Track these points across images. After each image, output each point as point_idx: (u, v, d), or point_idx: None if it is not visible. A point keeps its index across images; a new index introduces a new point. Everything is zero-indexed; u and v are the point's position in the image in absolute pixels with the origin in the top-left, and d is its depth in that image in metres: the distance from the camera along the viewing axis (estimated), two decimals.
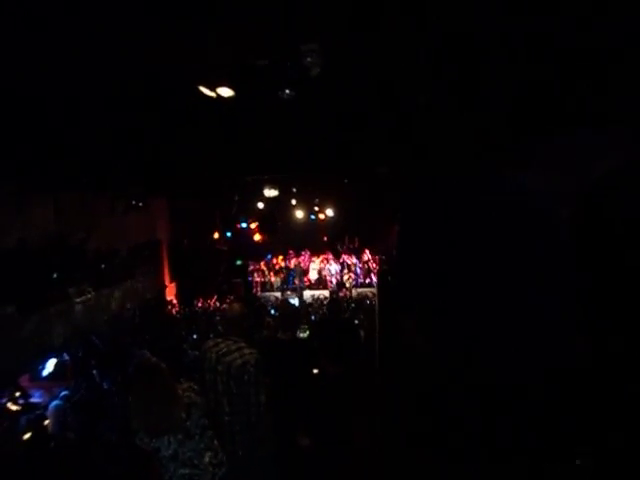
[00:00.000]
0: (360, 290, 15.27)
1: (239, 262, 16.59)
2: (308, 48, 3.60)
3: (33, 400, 7.76)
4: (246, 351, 3.71)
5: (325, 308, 11.82)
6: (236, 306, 4.02)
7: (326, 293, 15.28)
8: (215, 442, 3.18)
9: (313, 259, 16.34)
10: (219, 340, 3.86)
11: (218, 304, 13.87)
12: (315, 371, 4.11)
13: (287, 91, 3.93)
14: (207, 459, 3.09)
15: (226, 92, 3.91)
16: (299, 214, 14.69)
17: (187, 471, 3.02)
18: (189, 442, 3.01)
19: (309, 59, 3.68)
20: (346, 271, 15.82)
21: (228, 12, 3.30)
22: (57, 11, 3.25)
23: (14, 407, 7.20)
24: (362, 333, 6.73)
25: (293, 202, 14.31)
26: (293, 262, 16.37)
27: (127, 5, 3.23)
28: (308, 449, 3.59)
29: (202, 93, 4.00)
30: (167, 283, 14.95)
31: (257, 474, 3.60)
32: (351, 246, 16.50)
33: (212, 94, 3.93)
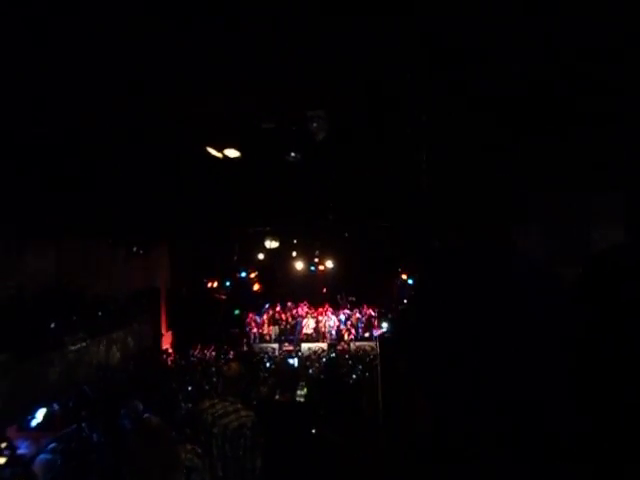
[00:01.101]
0: (359, 344, 15.07)
1: (237, 312, 16.47)
2: (314, 114, 3.72)
3: (20, 451, 7.52)
4: (243, 413, 3.63)
5: (323, 363, 11.65)
6: (234, 365, 3.97)
7: (324, 346, 15.07)
8: None
9: (308, 314, 16.19)
10: (215, 401, 3.78)
11: (215, 354, 13.66)
12: (313, 431, 4.02)
13: (292, 154, 4.03)
14: None
15: (232, 153, 4.01)
16: (299, 265, 14.71)
17: None
18: None
19: (315, 124, 3.79)
20: (344, 326, 15.65)
21: (237, 77, 3.43)
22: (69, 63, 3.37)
23: (0, 459, 6.97)
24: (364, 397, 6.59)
25: (293, 254, 14.36)
26: (290, 314, 16.25)
27: (136, 68, 3.36)
28: None
29: (209, 152, 4.10)
30: (164, 331, 14.78)
31: None
32: (350, 299, 16.41)
33: (219, 155, 4.03)
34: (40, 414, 8.73)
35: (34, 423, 8.71)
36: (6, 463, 6.93)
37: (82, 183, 6.45)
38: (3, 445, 7.19)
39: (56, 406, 8.99)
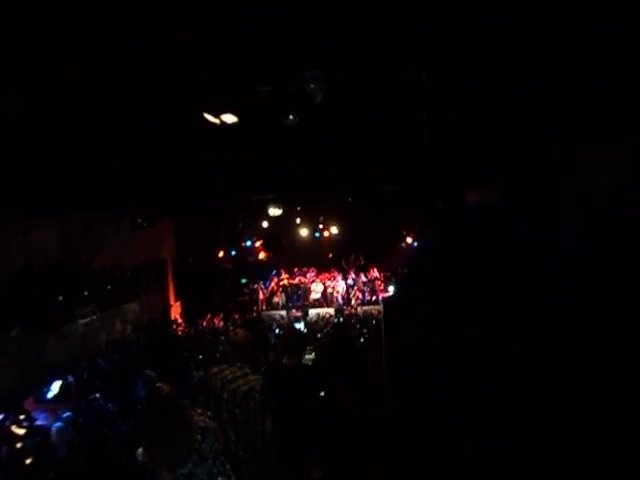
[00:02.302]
0: (366, 308, 15.19)
1: (244, 280, 16.58)
2: (311, 75, 3.63)
3: (38, 423, 7.73)
4: (251, 377, 3.69)
5: (331, 328, 11.77)
6: (241, 332, 4.00)
7: (331, 311, 15.21)
8: (227, 467, 3.17)
9: (316, 279, 16.26)
10: (224, 367, 3.84)
11: (223, 323, 13.82)
12: (322, 394, 4.08)
13: (290, 117, 3.96)
14: None
15: (230, 119, 3.94)
16: (303, 232, 14.69)
17: None
18: (203, 465, 3.01)
19: (312, 86, 3.71)
20: (353, 290, 15.75)
21: (233, 39, 3.34)
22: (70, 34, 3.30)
23: (19, 430, 7.17)
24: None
25: (297, 221, 14.33)
26: (297, 280, 16.32)
27: (134, 32, 3.27)
28: None
29: (207, 120, 4.03)
30: (172, 302, 14.93)
31: None
32: (357, 263, 16.44)
33: (216, 121, 3.96)
34: (56, 386, 8.93)
35: (50, 395, 8.92)
36: (25, 434, 7.14)
37: (83, 156, 6.41)
38: (22, 417, 7.39)
39: (71, 378, 9.18)
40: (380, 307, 15.57)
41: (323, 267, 16.75)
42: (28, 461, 6.24)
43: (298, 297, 15.96)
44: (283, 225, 13.80)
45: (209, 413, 3.19)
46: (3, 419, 7.06)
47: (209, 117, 3.98)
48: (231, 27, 3.16)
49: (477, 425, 1.62)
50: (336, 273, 16.39)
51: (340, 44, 3.44)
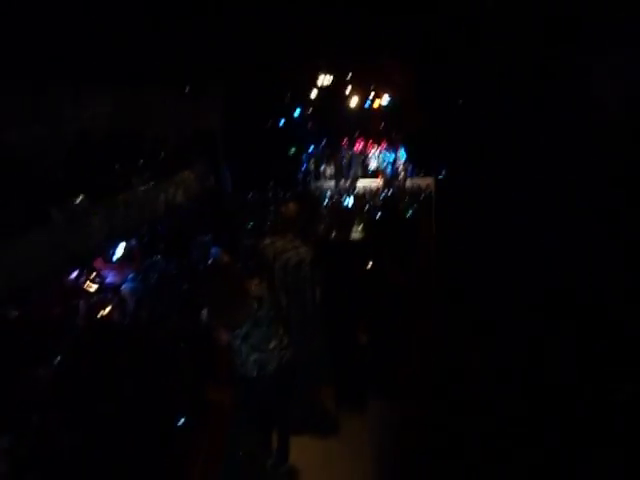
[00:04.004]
0: (415, 180, 15.02)
1: (293, 150, 16.50)
2: None
3: (108, 280, 8.49)
4: (302, 249, 3.87)
5: (379, 200, 11.83)
6: (291, 205, 4.11)
7: (379, 182, 15.12)
8: (281, 331, 3.46)
9: (373, 148, 15.92)
10: (276, 238, 4.01)
11: (272, 193, 14.05)
12: (369, 267, 4.24)
13: None
14: (273, 344, 3.39)
15: None
16: (354, 102, 14.19)
17: (256, 356, 3.34)
18: (258, 329, 3.30)
19: None
20: (401, 160, 15.47)
21: None
22: None
23: (92, 286, 7.92)
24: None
25: (347, 90, 13.80)
26: (347, 149, 16.09)
27: None
28: (365, 346, 3.82)
29: None
30: (222, 171, 15.17)
31: (312, 362, 3.91)
32: (408, 135, 15.94)
33: None
34: (121, 248, 9.62)
35: (116, 256, 9.65)
36: (97, 290, 7.90)
37: (132, 25, 6.24)
38: (93, 275, 8.11)
39: (134, 241, 9.83)
40: (428, 180, 15.42)
41: (373, 138, 16.36)
42: (103, 313, 7.00)
43: (347, 167, 15.84)
44: (333, 95, 13.34)
45: (265, 284, 3.41)
46: (77, 277, 7.78)
47: None
48: None
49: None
50: (386, 144, 16.02)
51: None
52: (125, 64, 8.53)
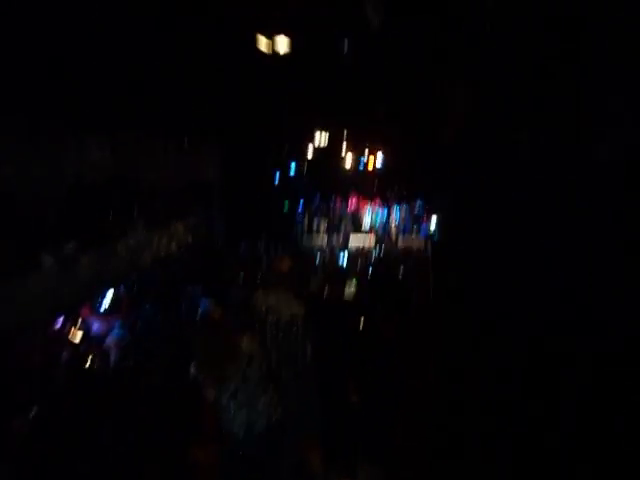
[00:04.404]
0: (407, 240, 15.15)
1: (287, 205, 16.67)
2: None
3: (93, 329, 8.30)
4: (295, 305, 3.81)
5: (372, 258, 11.86)
6: (286, 260, 4.09)
7: (372, 239, 15.23)
8: (270, 388, 3.34)
9: (359, 207, 16.17)
10: (269, 293, 3.96)
11: (265, 246, 14.07)
12: (362, 324, 4.18)
13: (346, 43, 3.78)
14: (262, 402, 3.26)
15: (283, 44, 3.80)
16: (349, 160, 14.49)
17: (244, 414, 3.20)
18: (247, 386, 3.17)
19: (371, 6, 3.51)
20: (393, 220, 15.66)
21: None
22: None
23: (76, 336, 7.73)
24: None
25: (343, 148, 14.12)
26: (341, 207, 16.29)
27: None
28: (357, 405, 3.71)
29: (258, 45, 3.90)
30: (216, 223, 15.23)
31: (303, 421, 3.76)
32: (401, 194, 16.21)
33: (269, 47, 3.83)
34: (108, 297, 9.47)
35: (103, 306, 9.49)
36: (81, 339, 7.70)
37: (136, 75, 6.41)
38: (79, 324, 7.94)
39: (122, 290, 9.69)
40: (420, 240, 15.57)
41: (367, 196, 16.60)
42: (86, 364, 6.79)
43: (340, 224, 15.99)
44: (329, 153, 13.64)
45: (256, 340, 3.33)
46: (62, 326, 7.60)
47: (262, 40, 3.85)
48: None
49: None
50: (379, 202, 16.25)
51: None
52: (126, 114, 8.73)
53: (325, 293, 4.13)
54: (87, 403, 5.54)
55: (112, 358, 7.03)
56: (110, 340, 7.49)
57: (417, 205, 15.79)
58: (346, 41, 4.03)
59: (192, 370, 3.22)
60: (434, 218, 15.13)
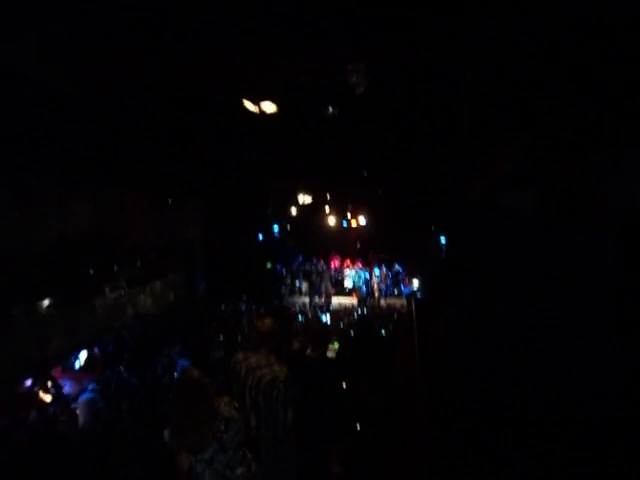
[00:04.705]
0: (389, 300, 15.17)
1: (269, 265, 16.68)
2: (354, 67, 3.58)
3: (64, 390, 7.97)
4: (276, 367, 3.70)
5: (354, 319, 11.79)
6: (267, 321, 4.01)
7: (354, 301, 15.23)
8: (249, 456, 3.19)
9: (348, 266, 16.28)
10: (249, 354, 3.86)
11: (246, 306, 13.94)
12: (344, 388, 4.08)
13: (330, 109, 3.91)
14: (240, 471, 3.10)
15: (269, 108, 3.92)
16: (331, 221, 14.67)
17: None
18: (224, 454, 3.02)
19: (355, 78, 3.66)
20: (376, 281, 15.73)
21: (275, 31, 3.31)
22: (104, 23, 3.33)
23: (46, 396, 7.40)
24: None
25: (326, 209, 14.32)
26: (323, 267, 16.35)
27: (172, 21, 3.28)
28: (340, 475, 3.56)
29: (245, 106, 4.03)
30: (197, 282, 15.12)
31: None
32: (382, 256, 16.36)
33: (255, 110, 3.95)
34: (82, 357, 9.18)
35: (77, 365, 9.18)
36: (52, 401, 7.38)
37: (120, 135, 6.50)
38: (49, 384, 7.63)
39: (97, 350, 9.42)
40: (402, 300, 15.57)
41: (349, 256, 16.73)
42: (54, 427, 6.46)
43: (322, 285, 16.00)
44: (312, 213, 13.82)
45: (235, 404, 3.21)
46: (32, 385, 7.30)
47: (249, 105, 3.98)
48: (276, 19, 3.13)
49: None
50: (361, 263, 16.38)
51: (383, 40, 3.39)
52: (110, 173, 8.81)
53: (307, 354, 4.06)
54: (53, 469, 5.22)
55: (81, 421, 6.70)
56: (80, 402, 7.17)
57: (398, 266, 15.96)
58: (330, 106, 4.19)
59: (166, 435, 3.06)
60: (416, 279, 15.27)
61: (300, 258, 16.70)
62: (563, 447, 1.57)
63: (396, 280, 15.80)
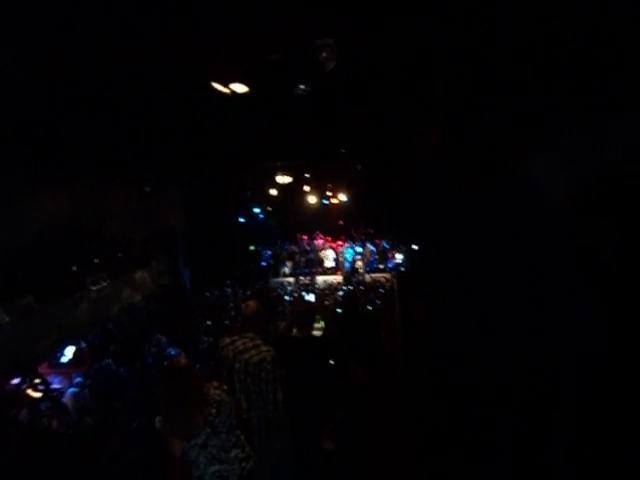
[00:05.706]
0: (374, 275, 15.24)
1: (252, 248, 16.63)
2: (324, 43, 3.53)
3: (53, 386, 7.91)
4: (263, 348, 3.72)
5: (339, 296, 11.85)
6: (252, 303, 4.01)
7: (339, 278, 15.28)
8: (242, 438, 3.21)
9: (326, 246, 16.27)
10: (235, 337, 3.87)
11: (232, 290, 13.92)
12: (332, 365, 4.11)
13: (301, 86, 3.86)
14: (233, 454, 3.12)
15: (240, 88, 3.86)
16: (312, 199, 14.62)
17: (216, 467, 3.06)
18: (216, 438, 3.04)
19: (324, 54, 3.60)
20: (360, 257, 15.78)
21: (243, 9, 3.24)
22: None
23: (35, 394, 7.34)
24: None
25: (306, 188, 14.25)
26: (307, 247, 16.34)
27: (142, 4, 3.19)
28: (331, 452, 3.61)
29: (216, 88, 3.96)
30: (181, 269, 15.04)
31: (276, 470, 3.63)
32: (367, 231, 16.35)
33: (226, 90, 3.88)
34: (69, 351, 9.10)
35: (64, 360, 9.10)
36: (41, 397, 7.32)
37: (90, 122, 6.36)
38: (37, 381, 7.56)
39: (83, 343, 9.35)
40: (388, 275, 15.66)
41: (332, 235, 16.70)
42: (44, 424, 6.42)
43: (306, 264, 16.00)
44: (292, 193, 13.76)
45: (225, 387, 3.22)
46: (20, 383, 7.23)
47: (219, 87, 3.91)
48: None
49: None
50: (345, 240, 16.37)
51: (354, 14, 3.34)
52: (82, 164, 8.62)
53: (293, 335, 4.07)
54: (43, 465, 5.21)
55: (72, 416, 6.68)
56: (68, 396, 7.14)
57: (385, 243, 16.01)
58: (303, 86, 4.13)
59: (157, 423, 3.06)
60: (400, 253, 15.35)
61: (283, 238, 16.65)
62: (539, 415, 1.61)
63: (383, 256, 15.86)
